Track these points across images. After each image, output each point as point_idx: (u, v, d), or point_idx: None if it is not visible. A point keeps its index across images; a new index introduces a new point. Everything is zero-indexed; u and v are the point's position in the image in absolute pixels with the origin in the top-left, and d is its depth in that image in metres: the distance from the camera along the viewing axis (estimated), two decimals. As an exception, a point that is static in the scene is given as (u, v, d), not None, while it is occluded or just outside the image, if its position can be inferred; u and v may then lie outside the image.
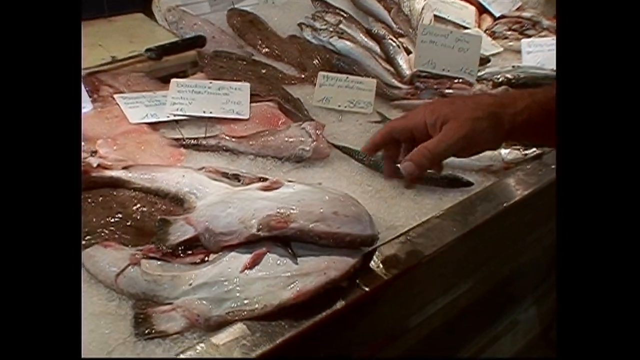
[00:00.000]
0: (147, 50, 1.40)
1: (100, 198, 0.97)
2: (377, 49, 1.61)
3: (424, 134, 0.84)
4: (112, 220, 0.94)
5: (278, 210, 0.81)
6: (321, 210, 0.82)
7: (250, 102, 1.31)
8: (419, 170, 0.82)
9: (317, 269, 0.78)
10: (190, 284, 0.80)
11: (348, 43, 1.55)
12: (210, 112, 1.27)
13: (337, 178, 1.14)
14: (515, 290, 1.52)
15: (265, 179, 0.98)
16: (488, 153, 1.17)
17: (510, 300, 1.54)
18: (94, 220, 0.94)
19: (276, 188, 0.89)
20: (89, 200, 0.96)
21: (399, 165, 0.84)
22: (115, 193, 0.99)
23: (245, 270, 0.79)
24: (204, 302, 0.78)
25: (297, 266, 0.78)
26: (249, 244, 0.82)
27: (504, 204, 1.01)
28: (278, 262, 0.79)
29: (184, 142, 1.19)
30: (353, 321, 0.80)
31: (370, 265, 0.85)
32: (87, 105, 1.23)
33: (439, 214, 0.98)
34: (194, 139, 1.19)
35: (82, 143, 1.13)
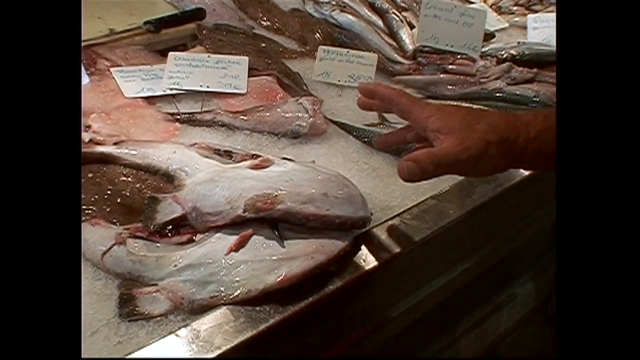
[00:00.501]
0: (146, 22, 1.33)
1: (90, 174, 0.91)
2: (380, 23, 1.52)
3: (419, 129, 0.77)
4: (101, 197, 0.88)
5: (265, 190, 0.75)
6: (310, 191, 0.75)
7: (249, 76, 1.24)
8: (421, 175, 0.72)
9: (304, 253, 0.72)
10: (175, 266, 0.75)
11: (350, 17, 1.47)
12: (208, 86, 1.20)
13: (333, 155, 1.07)
14: (513, 266, 1.46)
15: (258, 156, 0.92)
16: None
17: (508, 276, 1.49)
18: (83, 197, 0.88)
19: (266, 166, 0.83)
20: (78, 176, 0.91)
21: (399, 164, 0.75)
22: (105, 169, 0.93)
23: (231, 253, 0.74)
24: (188, 284, 0.73)
25: (284, 249, 0.73)
26: (236, 225, 0.76)
27: (503, 186, 0.94)
28: (264, 244, 0.74)
29: (179, 117, 1.12)
30: (341, 306, 0.75)
31: (362, 248, 0.79)
32: (83, 79, 1.17)
33: (436, 195, 0.91)
34: (189, 113, 1.13)
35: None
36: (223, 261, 0.73)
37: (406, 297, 0.87)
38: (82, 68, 1.17)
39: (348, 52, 1.30)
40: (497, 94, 1.25)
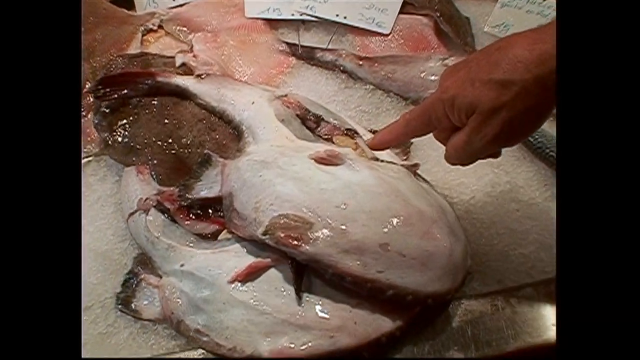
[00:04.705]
0: None
1: (159, 109, 0.71)
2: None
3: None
4: (159, 140, 0.68)
5: (301, 212, 0.46)
6: (364, 234, 0.44)
7: (402, 12, 0.88)
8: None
9: (323, 326, 0.43)
10: (182, 265, 0.53)
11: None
12: (345, 18, 0.87)
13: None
14: None
15: (352, 134, 0.62)
16: None
17: None
18: (143, 133, 0.69)
19: (334, 165, 0.52)
20: (147, 109, 0.71)
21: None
22: (178, 107, 0.71)
23: (237, 281, 0.48)
24: (184, 298, 0.51)
25: (297, 308, 0.45)
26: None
27: None
28: (276, 289, 0.46)
29: (297, 52, 0.84)
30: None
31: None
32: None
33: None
34: (310, 48, 0.84)
35: (188, 32, 0.86)
36: (223, 289, 0.48)
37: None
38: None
39: (544, 1, 0.84)
40: None
